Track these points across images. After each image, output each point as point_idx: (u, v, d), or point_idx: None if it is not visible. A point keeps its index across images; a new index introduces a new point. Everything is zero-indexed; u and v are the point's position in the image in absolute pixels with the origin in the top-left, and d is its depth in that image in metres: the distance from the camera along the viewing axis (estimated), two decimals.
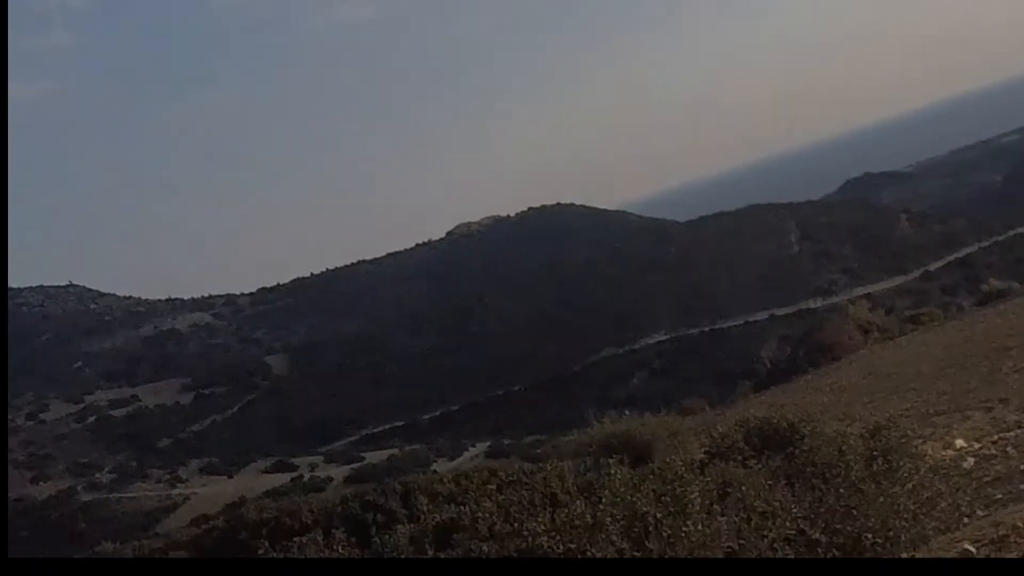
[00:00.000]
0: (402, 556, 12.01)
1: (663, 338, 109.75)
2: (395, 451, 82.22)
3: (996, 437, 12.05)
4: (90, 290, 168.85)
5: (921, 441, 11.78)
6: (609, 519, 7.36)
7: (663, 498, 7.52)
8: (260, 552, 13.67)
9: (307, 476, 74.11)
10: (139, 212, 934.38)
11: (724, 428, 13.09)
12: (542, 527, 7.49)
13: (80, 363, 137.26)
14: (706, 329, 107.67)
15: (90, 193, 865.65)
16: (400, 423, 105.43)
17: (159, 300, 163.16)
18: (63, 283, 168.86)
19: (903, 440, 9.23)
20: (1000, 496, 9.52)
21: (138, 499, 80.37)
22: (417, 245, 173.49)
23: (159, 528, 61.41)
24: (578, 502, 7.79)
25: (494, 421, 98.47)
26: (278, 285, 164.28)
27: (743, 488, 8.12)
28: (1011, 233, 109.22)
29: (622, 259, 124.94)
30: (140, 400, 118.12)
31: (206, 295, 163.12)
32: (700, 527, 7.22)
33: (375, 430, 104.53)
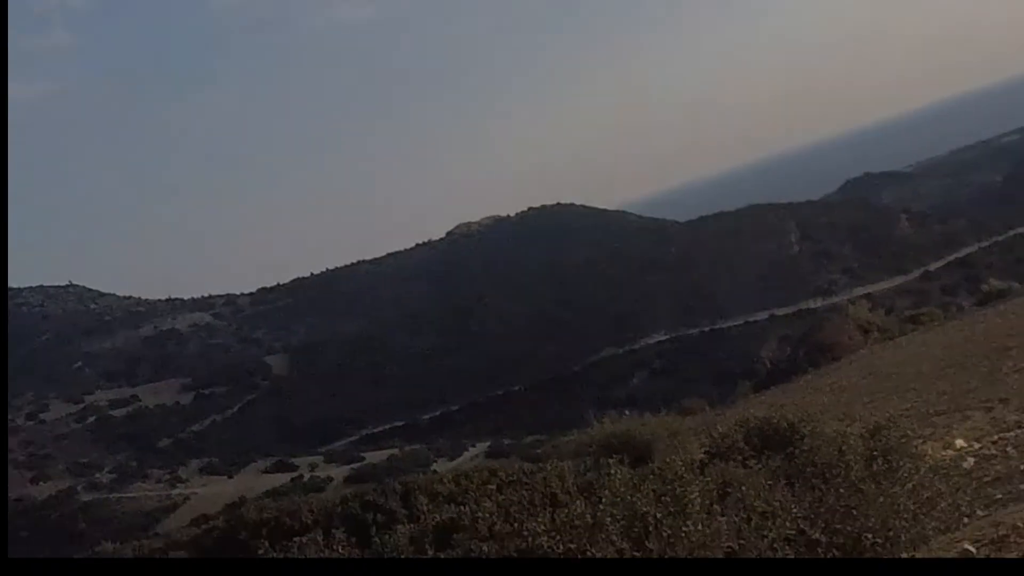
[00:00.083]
0: (402, 556, 12.00)
1: (663, 338, 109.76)
2: (395, 451, 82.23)
3: (996, 437, 12.05)
4: (90, 290, 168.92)
5: (921, 441, 11.78)
6: (609, 519, 7.36)
7: (663, 498, 7.52)
8: (260, 552, 13.67)
9: (307, 476, 74.14)
10: (139, 212, 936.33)
11: (724, 428, 13.09)
12: (542, 527, 7.49)
13: (80, 363, 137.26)
14: (706, 329, 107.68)
15: (90, 193, 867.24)
16: (400, 423, 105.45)
17: (159, 300, 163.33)
18: (63, 283, 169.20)
19: (903, 440, 9.22)
20: (1000, 496, 9.51)
21: (138, 499, 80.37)
22: (417, 245, 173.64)
23: (159, 528, 61.41)
24: (578, 502, 7.79)
25: (494, 421, 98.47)
26: (278, 285, 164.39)
27: (743, 488, 8.11)
28: (1011, 233, 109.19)
29: (622, 259, 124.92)
30: (140, 400, 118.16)
31: (206, 295, 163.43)
32: (700, 527, 7.22)
33: (375, 430, 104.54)
